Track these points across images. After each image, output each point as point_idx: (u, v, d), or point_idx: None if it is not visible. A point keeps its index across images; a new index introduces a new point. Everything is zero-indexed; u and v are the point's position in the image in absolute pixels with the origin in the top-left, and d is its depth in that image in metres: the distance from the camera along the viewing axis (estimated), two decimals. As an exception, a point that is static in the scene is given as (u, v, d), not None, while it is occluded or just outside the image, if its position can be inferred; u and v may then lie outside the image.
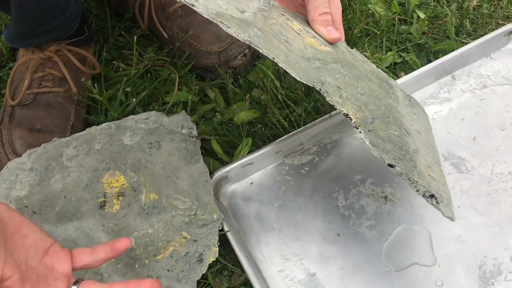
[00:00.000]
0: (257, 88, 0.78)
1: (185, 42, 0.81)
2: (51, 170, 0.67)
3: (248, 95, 0.76)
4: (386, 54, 0.81)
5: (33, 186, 0.66)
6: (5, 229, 0.45)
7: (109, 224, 0.63)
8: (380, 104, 0.56)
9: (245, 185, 0.69)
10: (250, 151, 0.70)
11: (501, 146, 0.69)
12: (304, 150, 0.71)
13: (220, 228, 0.63)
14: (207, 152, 0.72)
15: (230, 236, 0.62)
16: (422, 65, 0.77)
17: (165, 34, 0.84)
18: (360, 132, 0.49)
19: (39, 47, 0.76)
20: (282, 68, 0.77)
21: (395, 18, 0.86)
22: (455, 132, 0.71)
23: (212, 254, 0.61)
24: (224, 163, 0.70)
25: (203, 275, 0.60)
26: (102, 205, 0.64)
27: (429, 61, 0.77)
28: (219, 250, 0.61)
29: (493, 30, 0.80)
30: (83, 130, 0.72)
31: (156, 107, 0.77)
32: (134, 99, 0.76)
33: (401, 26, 0.85)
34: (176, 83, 0.79)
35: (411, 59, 0.80)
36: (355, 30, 0.83)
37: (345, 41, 0.82)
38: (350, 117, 0.50)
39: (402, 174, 0.49)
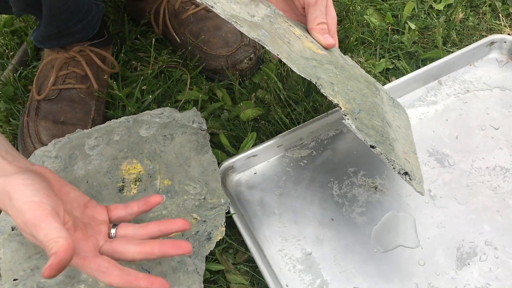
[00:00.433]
0: (261, 89, 0.85)
1: (196, 47, 0.89)
2: (74, 158, 0.74)
3: (253, 94, 0.83)
4: (379, 61, 0.88)
5: (58, 172, 0.73)
6: (52, 186, 0.52)
7: (127, 205, 0.70)
8: (366, 101, 0.63)
9: (249, 174, 0.76)
10: (254, 145, 0.76)
11: (481, 144, 0.76)
12: (303, 145, 0.78)
13: (227, 211, 0.69)
14: (215, 144, 0.78)
15: (235, 218, 0.69)
16: (412, 71, 0.83)
17: (177, 38, 0.92)
18: (348, 119, 0.56)
19: (64, 48, 0.83)
20: (284, 71, 0.85)
21: (388, 28, 0.93)
22: (440, 131, 0.78)
23: (219, 233, 0.67)
24: (231, 155, 0.76)
25: (211, 251, 0.66)
26: (121, 189, 0.71)
27: (418, 68, 0.84)
28: (225, 230, 0.68)
29: (476, 41, 0.86)
30: (103, 123, 0.79)
31: (169, 104, 0.84)
32: (150, 96, 0.83)
33: (394, 36, 0.92)
34: (188, 83, 0.86)
35: (402, 65, 0.87)
36: (352, 38, 0.90)
37: (343, 48, 0.90)
38: (340, 107, 0.57)
39: (381, 154, 0.56)
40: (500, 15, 0.93)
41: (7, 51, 0.94)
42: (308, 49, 0.62)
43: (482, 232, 0.67)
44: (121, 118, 0.78)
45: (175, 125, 0.76)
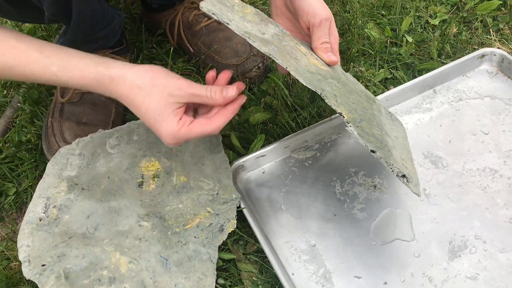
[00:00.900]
0: (269, 95, 0.91)
1: (208, 56, 0.95)
2: (96, 156, 0.80)
3: (262, 100, 0.89)
4: (379, 71, 0.94)
5: (81, 168, 0.79)
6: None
7: (146, 199, 0.75)
8: (367, 112, 0.69)
9: (258, 173, 0.82)
10: (263, 146, 0.82)
11: (472, 148, 0.81)
12: (308, 147, 0.84)
13: (238, 205, 0.75)
14: (227, 145, 0.84)
15: (245, 212, 0.75)
16: (409, 81, 0.88)
17: (191, 48, 0.98)
18: (350, 126, 0.61)
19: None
20: (290, 79, 0.91)
21: (387, 41, 1.00)
22: (434, 135, 0.84)
23: (231, 225, 0.73)
24: (241, 155, 0.82)
25: (223, 242, 0.71)
26: (140, 184, 0.77)
27: (415, 78, 0.89)
28: (236, 223, 0.73)
29: (469, 53, 0.91)
30: (122, 124, 0.85)
31: (183, 108, 0.90)
32: (165, 101, 0.89)
33: (392, 48, 0.99)
34: (200, 89, 0.92)
35: (400, 75, 0.93)
36: (353, 50, 0.97)
37: (345, 58, 0.96)
38: (343, 115, 0.62)
39: (381, 158, 0.61)
40: (490, 30, 1.00)
41: (31, 57, 1.00)
42: (313, 65, 0.67)
43: (472, 227, 0.72)
44: (140, 120, 0.84)
45: (190, 127, 0.82)
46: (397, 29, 1.01)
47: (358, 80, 0.90)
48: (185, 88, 0.63)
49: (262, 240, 0.72)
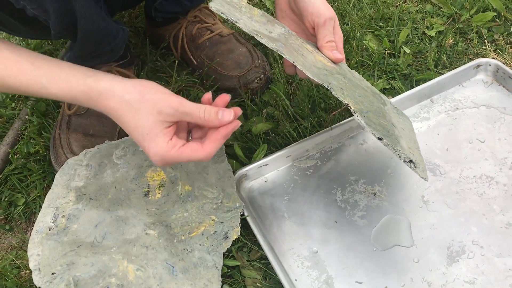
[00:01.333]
0: (271, 106, 0.93)
1: (211, 68, 0.98)
2: (103, 166, 0.82)
3: (264, 110, 0.92)
4: (377, 81, 0.97)
5: (89, 179, 0.81)
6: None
7: (152, 208, 0.77)
8: (373, 105, 0.70)
9: (261, 182, 0.84)
10: (265, 155, 0.84)
11: (468, 156, 0.83)
12: (309, 156, 0.86)
13: (242, 213, 0.77)
14: (230, 155, 0.86)
15: (249, 220, 0.76)
16: (406, 91, 0.90)
17: (194, 61, 1.01)
18: (357, 116, 0.63)
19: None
20: (291, 90, 0.94)
21: (385, 52, 1.02)
22: (432, 144, 0.86)
23: (235, 233, 0.75)
24: (244, 164, 0.84)
25: (228, 249, 0.73)
26: (147, 194, 0.79)
27: (412, 88, 0.91)
28: (240, 230, 0.75)
29: (465, 64, 0.94)
30: (128, 136, 0.88)
31: (187, 119, 0.92)
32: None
33: (390, 59, 1.01)
34: (204, 100, 0.95)
35: (398, 85, 0.95)
36: (352, 61, 0.99)
37: (344, 69, 0.98)
38: (350, 106, 0.63)
39: (388, 144, 0.62)
40: (485, 41, 1.02)
41: (38, 71, 1.03)
42: (320, 62, 0.70)
43: (469, 233, 0.74)
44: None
45: (194, 138, 0.85)
46: (395, 41, 1.04)
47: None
48: (176, 106, 0.60)
49: (265, 247, 0.74)
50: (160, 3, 0.98)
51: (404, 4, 1.13)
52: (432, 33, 1.05)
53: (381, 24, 1.08)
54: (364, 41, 1.03)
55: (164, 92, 0.62)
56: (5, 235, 0.83)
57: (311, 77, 0.63)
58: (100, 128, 0.89)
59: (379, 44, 1.04)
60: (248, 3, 0.72)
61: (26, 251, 0.74)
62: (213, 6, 0.62)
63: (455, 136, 0.86)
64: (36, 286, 0.69)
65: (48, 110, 0.97)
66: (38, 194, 0.86)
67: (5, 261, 0.78)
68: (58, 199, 0.78)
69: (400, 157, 0.64)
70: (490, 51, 1.00)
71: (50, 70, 0.63)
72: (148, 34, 1.08)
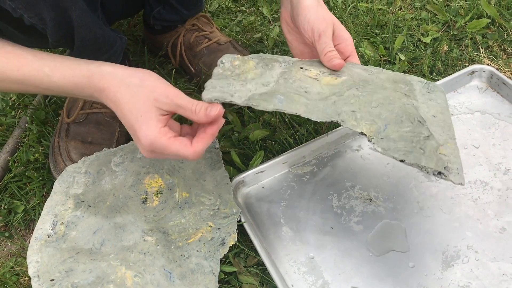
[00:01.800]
0: (268, 113, 0.95)
1: (209, 76, 0.99)
2: (102, 174, 0.83)
3: (261, 117, 0.93)
4: (373, 88, 0.98)
5: (87, 186, 0.82)
6: None
7: (150, 215, 0.78)
8: (394, 108, 0.66)
9: (258, 188, 0.84)
10: (262, 162, 0.85)
11: (463, 161, 0.83)
12: (306, 162, 0.87)
13: (238, 219, 0.78)
14: (227, 161, 0.87)
15: (246, 226, 0.77)
16: None
17: (192, 69, 1.02)
18: (373, 143, 0.61)
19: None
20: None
21: (381, 59, 1.03)
22: (427, 150, 0.87)
23: (232, 239, 0.76)
24: (241, 171, 0.85)
25: (225, 255, 0.74)
26: (144, 201, 0.80)
27: None
28: (237, 237, 0.76)
29: (459, 70, 0.95)
30: (126, 143, 0.89)
31: (185, 127, 0.93)
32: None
33: (386, 66, 1.01)
34: (201, 108, 0.96)
35: (393, 92, 0.97)
36: (348, 68, 1.00)
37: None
38: (365, 134, 0.62)
39: (412, 164, 0.60)
40: (480, 47, 1.03)
41: (38, 79, 1.04)
42: (326, 86, 0.68)
43: (464, 238, 0.75)
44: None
45: (192, 145, 0.86)
46: (390, 48, 1.05)
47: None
48: (172, 97, 0.62)
49: (262, 253, 0.74)
50: (159, 11, 1.00)
51: (399, 11, 1.14)
52: (427, 40, 1.06)
53: (376, 31, 1.09)
54: (360, 48, 1.04)
55: (164, 82, 0.63)
56: (5, 242, 0.84)
57: (317, 120, 0.63)
58: (98, 136, 0.90)
59: (375, 51, 1.05)
60: (242, 56, 0.71)
61: (25, 258, 0.75)
62: (204, 97, 0.63)
63: (450, 142, 0.87)
64: (35, 293, 0.69)
65: (47, 118, 0.98)
66: (38, 202, 0.87)
67: (5, 268, 0.79)
68: (57, 206, 0.78)
69: (428, 173, 0.60)
70: (484, 57, 1.01)
71: (53, 60, 0.65)
72: (147, 42, 1.09)
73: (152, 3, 0.99)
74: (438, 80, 0.95)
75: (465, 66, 0.99)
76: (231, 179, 0.82)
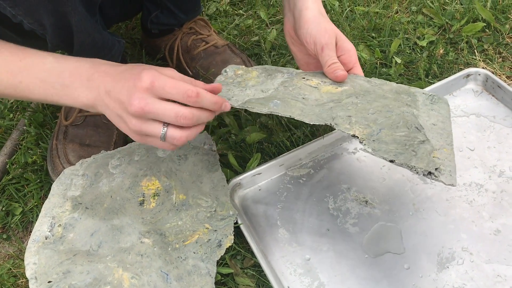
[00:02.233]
0: (265, 115, 0.95)
1: (206, 79, 0.99)
2: (99, 176, 0.84)
3: (257, 120, 0.93)
4: (369, 91, 0.99)
5: (85, 188, 0.82)
6: None
7: (147, 217, 0.78)
8: (392, 115, 0.67)
9: (255, 190, 0.85)
10: (259, 164, 0.85)
11: (458, 164, 0.84)
12: (302, 164, 0.88)
13: (235, 221, 0.78)
14: (224, 164, 0.88)
15: (242, 228, 0.78)
16: None
17: (189, 71, 1.02)
18: (365, 145, 0.63)
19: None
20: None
21: (377, 62, 1.04)
22: (423, 152, 0.88)
23: (228, 241, 0.76)
24: (238, 173, 0.85)
25: (221, 257, 0.74)
26: (141, 203, 0.80)
27: None
28: (234, 238, 0.76)
29: (455, 73, 0.95)
30: (123, 146, 0.89)
31: (182, 129, 0.94)
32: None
33: (382, 69, 1.02)
34: (199, 111, 0.96)
35: (389, 95, 0.97)
36: (344, 71, 1.01)
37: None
38: (357, 136, 0.64)
39: (402, 164, 0.61)
40: (475, 51, 1.04)
41: (36, 82, 1.04)
42: (325, 94, 0.69)
43: (459, 240, 0.75)
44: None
45: (189, 147, 0.86)
46: (387, 51, 1.06)
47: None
48: (175, 72, 0.62)
49: (258, 254, 0.75)
50: (156, 15, 1.00)
51: (396, 15, 1.15)
52: (423, 43, 1.07)
53: (373, 34, 1.10)
54: (356, 52, 1.05)
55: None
56: (2, 244, 0.85)
57: (310, 123, 0.64)
58: (96, 138, 0.91)
59: (371, 54, 1.06)
60: (245, 66, 0.73)
61: (23, 260, 0.75)
62: None
63: (446, 145, 0.87)
64: (32, 295, 0.70)
65: (45, 121, 0.98)
66: (35, 204, 0.87)
67: (2, 270, 0.79)
68: (55, 209, 0.79)
69: (417, 172, 0.61)
70: (479, 60, 1.02)
71: (57, 54, 0.66)
72: (144, 45, 1.10)
73: (150, 7, 1.00)
74: (434, 83, 0.95)
75: (461, 69, 0.99)
76: (228, 181, 0.83)
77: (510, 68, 1.01)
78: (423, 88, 0.93)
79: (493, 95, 0.94)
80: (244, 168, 0.87)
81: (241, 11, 1.22)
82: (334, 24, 1.12)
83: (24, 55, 0.65)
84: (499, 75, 0.99)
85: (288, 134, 0.91)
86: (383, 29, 1.10)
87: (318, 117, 0.64)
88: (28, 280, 0.70)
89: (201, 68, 1.00)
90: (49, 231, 0.76)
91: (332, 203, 0.82)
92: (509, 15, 1.09)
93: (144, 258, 0.74)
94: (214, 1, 1.25)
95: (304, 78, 0.73)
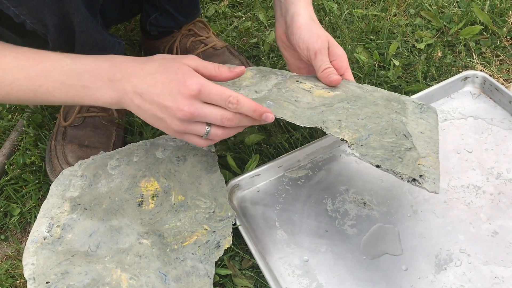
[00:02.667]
0: (263, 117, 0.96)
1: (205, 80, 1.00)
2: (98, 177, 0.84)
3: (256, 122, 0.93)
4: (367, 93, 0.99)
5: (83, 189, 0.82)
6: None
7: (146, 218, 0.78)
8: (381, 121, 0.69)
9: (253, 192, 0.85)
10: (258, 166, 0.85)
11: (456, 166, 0.85)
12: (301, 166, 0.88)
13: (233, 223, 0.78)
14: (223, 165, 0.88)
15: (241, 229, 0.78)
16: None
17: (188, 73, 1.02)
18: (352, 149, 0.64)
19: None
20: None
21: (375, 64, 1.04)
22: (421, 154, 0.88)
23: (227, 242, 0.76)
24: (237, 174, 0.85)
25: (220, 258, 0.74)
26: (140, 204, 0.80)
27: None
28: (232, 240, 0.76)
29: (453, 76, 0.95)
30: (122, 147, 0.89)
31: (181, 131, 0.94)
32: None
33: (380, 71, 1.03)
34: (197, 112, 0.96)
35: (388, 97, 0.98)
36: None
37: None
38: (345, 140, 0.65)
39: (387, 170, 0.63)
40: (473, 53, 1.05)
41: (35, 83, 1.04)
42: (318, 98, 0.70)
43: (457, 241, 0.76)
44: (140, 142, 0.88)
45: (188, 148, 0.86)
46: (385, 53, 1.06)
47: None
48: (198, 59, 0.65)
49: (257, 256, 0.75)
50: (155, 18, 1.00)
51: (394, 18, 1.16)
52: (422, 46, 1.07)
53: (371, 37, 1.11)
54: (355, 54, 1.05)
55: None
56: (0, 245, 0.84)
57: (301, 125, 0.65)
58: (95, 139, 0.91)
59: (370, 57, 1.06)
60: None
61: (21, 261, 0.75)
62: None
63: (444, 147, 0.88)
64: (30, 295, 0.70)
65: (44, 122, 0.98)
66: (34, 204, 0.87)
67: (0, 270, 0.79)
68: (53, 209, 0.79)
69: (402, 178, 0.63)
70: (477, 63, 1.02)
71: (73, 53, 0.66)
72: (143, 47, 1.10)
73: (149, 9, 1.00)
74: (432, 85, 0.96)
75: (459, 72, 1.00)
76: (226, 182, 0.83)
77: (508, 70, 1.01)
78: (421, 91, 0.94)
79: (490, 98, 0.95)
80: (242, 170, 0.87)
81: (240, 13, 1.23)
82: (333, 26, 1.13)
83: (41, 59, 0.65)
84: (497, 78, 0.99)
85: (286, 136, 0.91)
86: (382, 31, 1.11)
87: (309, 119, 0.65)
88: (26, 281, 0.70)
89: (200, 70, 1.00)
90: (48, 232, 0.76)
91: (331, 204, 0.82)
92: (506, 18, 1.09)
93: (143, 259, 0.74)
94: (213, 3, 1.25)
95: (297, 81, 0.74)
